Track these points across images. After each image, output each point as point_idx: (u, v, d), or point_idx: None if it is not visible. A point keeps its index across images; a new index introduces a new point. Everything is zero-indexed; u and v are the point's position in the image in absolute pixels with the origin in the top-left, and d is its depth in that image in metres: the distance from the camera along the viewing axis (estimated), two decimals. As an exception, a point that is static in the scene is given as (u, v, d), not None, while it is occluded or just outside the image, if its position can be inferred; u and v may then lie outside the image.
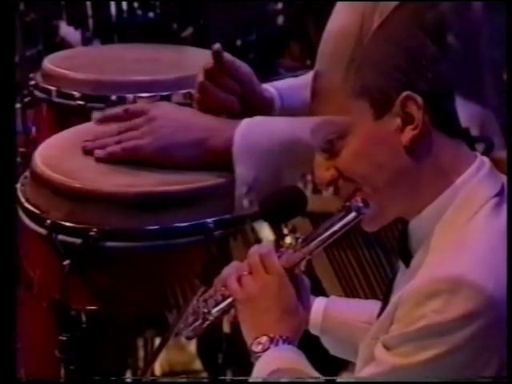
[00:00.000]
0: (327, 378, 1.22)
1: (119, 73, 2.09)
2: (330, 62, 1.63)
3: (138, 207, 1.47)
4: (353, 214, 1.21)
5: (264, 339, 1.22)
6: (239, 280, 1.27)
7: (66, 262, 1.46)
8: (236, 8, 3.78)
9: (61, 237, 1.47)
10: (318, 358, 1.26)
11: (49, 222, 1.48)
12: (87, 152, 1.56)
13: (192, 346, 2.60)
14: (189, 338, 1.34)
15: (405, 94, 1.14)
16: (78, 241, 1.46)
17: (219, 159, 1.51)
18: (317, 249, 1.26)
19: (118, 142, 1.54)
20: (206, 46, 2.40)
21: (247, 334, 1.25)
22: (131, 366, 2.25)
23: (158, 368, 2.52)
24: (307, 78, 1.78)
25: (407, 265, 1.20)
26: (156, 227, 1.47)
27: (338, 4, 1.68)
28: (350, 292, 1.98)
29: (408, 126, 1.14)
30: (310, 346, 1.28)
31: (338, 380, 1.26)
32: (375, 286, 1.96)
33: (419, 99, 1.13)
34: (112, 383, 1.61)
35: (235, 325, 1.30)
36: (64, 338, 1.49)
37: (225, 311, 1.30)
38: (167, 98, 1.99)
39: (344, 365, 1.58)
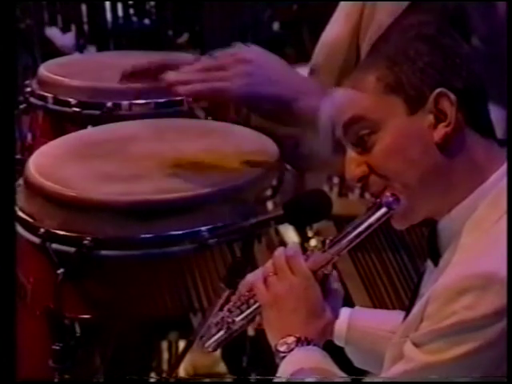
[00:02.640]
0: (353, 377, 1.22)
1: (115, 80, 2.08)
2: (321, 73, 1.63)
3: (132, 216, 1.46)
4: (383, 210, 1.20)
5: (290, 340, 1.22)
6: (265, 281, 1.26)
7: (60, 271, 1.46)
8: (232, 14, 3.78)
9: (55, 245, 1.46)
10: (342, 364, 1.25)
11: (42, 230, 1.47)
12: (169, 85, 1.47)
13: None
14: (213, 350, 1.32)
15: (438, 90, 1.14)
16: (72, 249, 1.45)
17: (299, 122, 1.49)
18: (346, 248, 1.25)
19: (204, 81, 1.46)
20: (201, 53, 2.40)
21: (272, 335, 1.25)
22: (155, 369, 2.26)
23: (182, 371, 2.51)
24: None
25: (436, 264, 1.20)
26: (150, 235, 1.46)
27: (334, 16, 1.68)
28: (374, 296, 1.99)
29: (441, 123, 1.15)
30: (334, 352, 1.28)
31: (365, 380, 1.25)
32: (400, 290, 1.97)
33: (452, 96, 1.14)
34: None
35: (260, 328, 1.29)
36: (58, 348, 1.48)
37: (249, 320, 1.29)
38: (164, 105, 1.99)
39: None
